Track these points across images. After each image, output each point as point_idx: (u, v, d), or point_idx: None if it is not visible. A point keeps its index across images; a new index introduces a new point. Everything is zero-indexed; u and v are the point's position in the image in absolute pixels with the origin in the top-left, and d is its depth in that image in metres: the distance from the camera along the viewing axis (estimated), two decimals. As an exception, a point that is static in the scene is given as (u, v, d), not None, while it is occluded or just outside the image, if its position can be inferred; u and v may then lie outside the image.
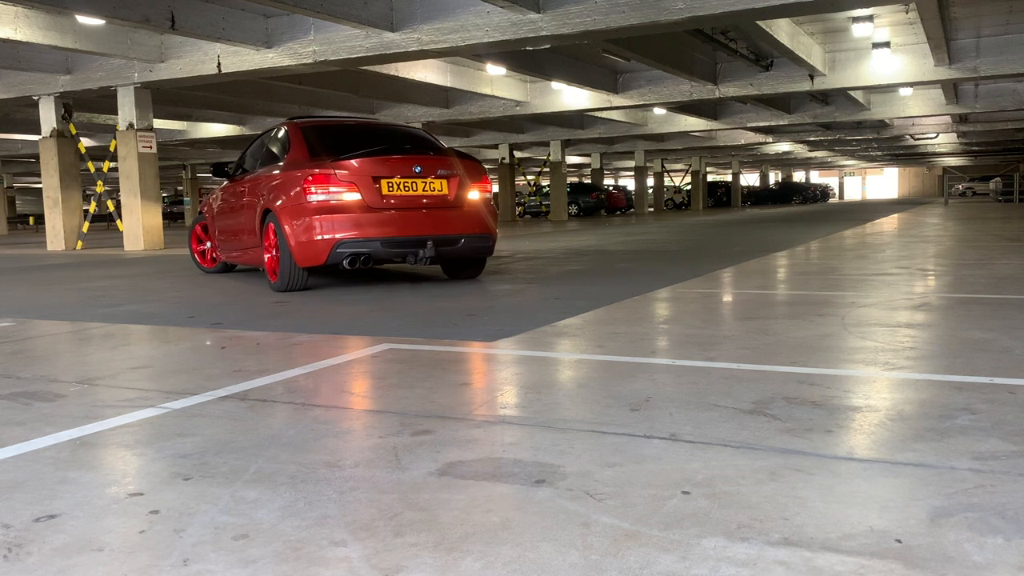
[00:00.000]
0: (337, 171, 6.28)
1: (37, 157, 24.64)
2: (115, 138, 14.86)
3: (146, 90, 14.56)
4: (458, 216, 6.62)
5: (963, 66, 16.31)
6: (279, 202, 6.57)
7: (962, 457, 2.16)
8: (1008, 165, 51.96)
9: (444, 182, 6.59)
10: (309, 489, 2.04)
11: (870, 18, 13.86)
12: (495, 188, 34.33)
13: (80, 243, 15.77)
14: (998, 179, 36.26)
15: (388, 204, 6.37)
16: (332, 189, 6.24)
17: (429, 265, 6.24)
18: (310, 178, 6.27)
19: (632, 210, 38.90)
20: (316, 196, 6.25)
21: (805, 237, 12.84)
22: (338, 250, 6.24)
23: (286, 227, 6.40)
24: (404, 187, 6.43)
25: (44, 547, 1.74)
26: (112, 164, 15.54)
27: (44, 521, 1.88)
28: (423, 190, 6.49)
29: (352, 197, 6.28)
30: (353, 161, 6.35)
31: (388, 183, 6.37)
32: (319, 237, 6.24)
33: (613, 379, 3.16)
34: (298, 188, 6.36)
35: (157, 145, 15.36)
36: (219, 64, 13.22)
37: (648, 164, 41.66)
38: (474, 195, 6.77)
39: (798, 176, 67.98)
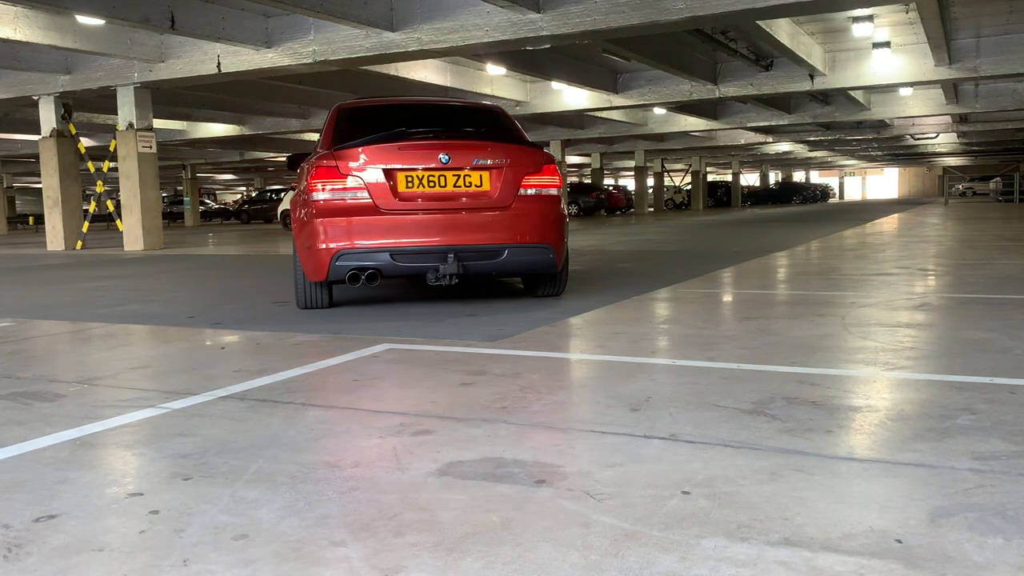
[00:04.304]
0: (339, 162, 5.11)
1: (37, 157, 24.59)
2: (115, 138, 14.87)
3: (146, 90, 14.57)
4: (501, 220, 5.25)
5: (963, 66, 16.31)
6: (294, 201, 5.73)
7: (962, 457, 2.15)
8: (1008, 165, 51.93)
9: (484, 175, 5.24)
10: (309, 489, 2.04)
11: (870, 18, 13.86)
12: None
13: (80, 243, 15.76)
14: (998, 179, 36.26)
15: (406, 205, 5.13)
16: (334, 186, 5.09)
17: (452, 283, 5.18)
18: (312, 172, 5.19)
19: (632, 210, 38.88)
20: (319, 194, 5.11)
21: (805, 237, 12.83)
22: (337, 263, 5.07)
23: (295, 233, 5.52)
24: (428, 182, 5.15)
25: (44, 547, 1.74)
26: (112, 164, 15.54)
27: (44, 521, 1.88)
28: (454, 186, 5.19)
29: (358, 196, 5.09)
30: (358, 149, 5.14)
31: (407, 177, 5.13)
32: (321, 246, 5.12)
33: (613, 379, 3.16)
34: (304, 184, 5.36)
35: (157, 145, 15.34)
36: (219, 64, 13.22)
37: (648, 164, 41.67)
38: (527, 192, 5.34)
39: (798, 176, 67.96)
